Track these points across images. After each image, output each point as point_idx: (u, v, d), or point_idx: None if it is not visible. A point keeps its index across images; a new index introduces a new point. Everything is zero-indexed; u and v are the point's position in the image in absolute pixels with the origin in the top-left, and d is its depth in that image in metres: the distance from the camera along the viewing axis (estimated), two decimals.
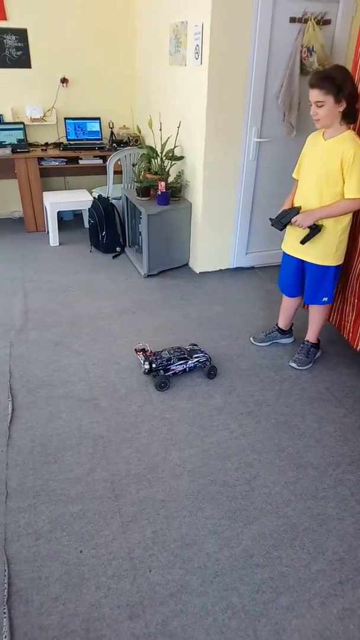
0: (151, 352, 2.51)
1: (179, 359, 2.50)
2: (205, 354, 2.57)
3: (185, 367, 2.51)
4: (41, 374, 2.53)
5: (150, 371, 2.46)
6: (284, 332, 2.85)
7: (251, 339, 2.90)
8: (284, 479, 1.96)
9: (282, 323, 2.83)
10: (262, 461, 2.04)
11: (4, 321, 3.01)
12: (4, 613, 1.44)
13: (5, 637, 1.38)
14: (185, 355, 2.52)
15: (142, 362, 2.47)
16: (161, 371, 2.46)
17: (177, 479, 1.94)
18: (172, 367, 2.48)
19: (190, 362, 2.52)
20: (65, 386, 2.44)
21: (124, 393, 2.41)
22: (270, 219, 2.43)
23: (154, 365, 2.44)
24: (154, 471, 1.97)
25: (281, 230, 2.42)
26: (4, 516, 1.75)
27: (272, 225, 2.42)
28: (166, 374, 2.47)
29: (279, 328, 2.85)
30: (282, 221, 2.37)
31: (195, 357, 2.53)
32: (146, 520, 1.76)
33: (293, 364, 2.67)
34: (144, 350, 2.51)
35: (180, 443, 2.12)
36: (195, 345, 2.67)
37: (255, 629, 1.44)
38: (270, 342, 2.87)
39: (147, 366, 2.44)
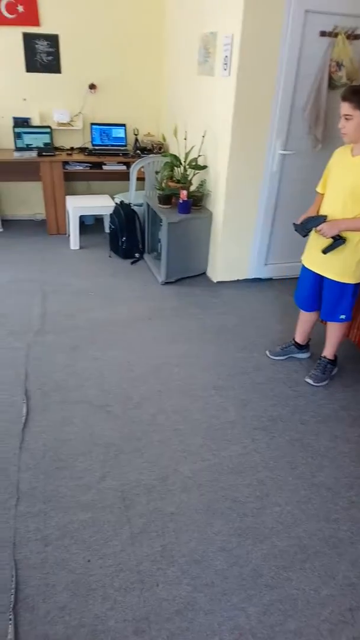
0: None
1: None
2: None
3: None
4: (56, 377, 2.54)
5: None
6: (300, 347, 2.82)
7: (267, 352, 2.87)
8: (296, 498, 1.93)
9: (299, 337, 2.80)
10: (274, 479, 2.02)
11: (22, 323, 3.04)
12: (10, 620, 1.44)
13: None
14: None
15: None
16: None
17: (187, 492, 1.92)
18: None
19: None
20: (80, 390, 2.45)
21: (137, 401, 2.41)
22: (294, 223, 2.40)
23: None
24: (165, 482, 1.96)
25: (304, 236, 2.39)
26: (14, 520, 1.75)
27: (295, 230, 2.39)
28: None
29: (295, 342, 2.82)
30: (306, 227, 2.34)
31: None
32: (155, 532, 1.75)
33: (309, 380, 2.63)
34: None
35: (191, 455, 2.10)
36: None
37: None
38: (287, 357, 2.84)
39: None
